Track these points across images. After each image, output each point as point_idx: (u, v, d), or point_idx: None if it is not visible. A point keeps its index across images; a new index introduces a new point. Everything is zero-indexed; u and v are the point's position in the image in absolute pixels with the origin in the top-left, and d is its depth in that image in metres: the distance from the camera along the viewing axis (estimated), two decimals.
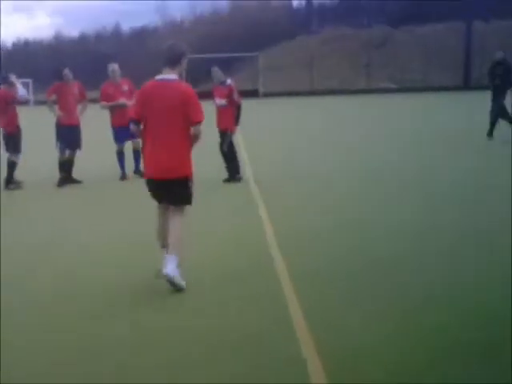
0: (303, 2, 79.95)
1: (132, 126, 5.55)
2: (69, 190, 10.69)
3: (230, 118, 10.55)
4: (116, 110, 11.36)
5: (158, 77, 5.44)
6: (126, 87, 11.52)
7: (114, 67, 11.51)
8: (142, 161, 9.53)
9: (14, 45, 69.30)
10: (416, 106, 31.88)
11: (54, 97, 11.09)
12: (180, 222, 5.42)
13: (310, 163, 12.57)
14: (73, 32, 72.06)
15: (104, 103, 11.49)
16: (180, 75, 5.50)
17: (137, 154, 11.55)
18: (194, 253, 5.98)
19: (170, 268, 5.15)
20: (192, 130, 5.33)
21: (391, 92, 46.42)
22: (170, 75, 5.38)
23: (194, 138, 5.39)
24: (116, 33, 68.88)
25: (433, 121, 21.66)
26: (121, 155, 11.65)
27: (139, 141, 11.36)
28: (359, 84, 50.74)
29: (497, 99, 14.99)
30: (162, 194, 5.49)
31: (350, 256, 6.05)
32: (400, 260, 5.89)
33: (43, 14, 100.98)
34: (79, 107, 11.39)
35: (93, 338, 4.36)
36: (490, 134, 14.98)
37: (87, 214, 8.75)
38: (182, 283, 5.24)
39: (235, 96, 10.57)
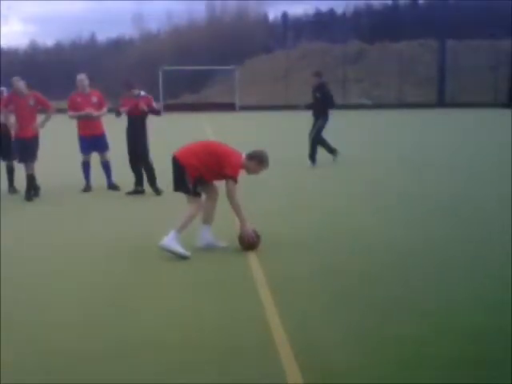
0: (279, 16, 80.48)
1: None
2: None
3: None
4: (83, 121, 11.44)
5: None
6: (95, 98, 11.57)
7: (81, 77, 11.49)
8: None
9: None
10: (391, 121, 32.16)
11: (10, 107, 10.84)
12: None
13: (287, 178, 12.58)
14: (47, 41, 71.16)
15: (72, 113, 11.48)
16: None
17: (106, 165, 11.63)
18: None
19: (166, 241, 6.73)
20: None
21: (366, 108, 46.66)
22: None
23: None
24: (91, 43, 68.56)
25: (408, 137, 21.87)
26: (86, 166, 11.65)
27: (105, 153, 11.60)
28: (335, 99, 50.88)
29: None
30: None
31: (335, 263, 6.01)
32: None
33: (17, 22, 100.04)
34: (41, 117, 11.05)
35: None
36: None
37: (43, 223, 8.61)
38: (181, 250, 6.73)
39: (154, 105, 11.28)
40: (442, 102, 49.02)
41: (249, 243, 7.09)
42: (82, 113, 11.37)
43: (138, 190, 11.08)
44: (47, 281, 6.25)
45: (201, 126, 29.81)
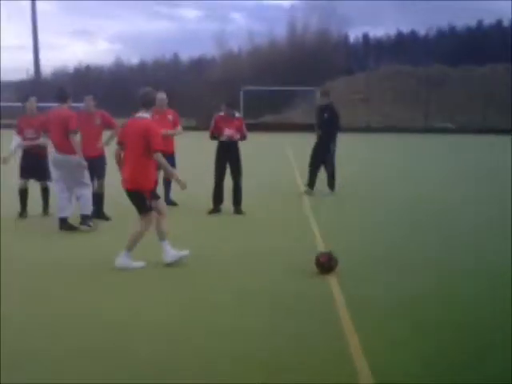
0: (360, 38, 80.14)
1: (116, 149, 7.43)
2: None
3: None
4: None
5: (136, 115, 7.32)
6: (170, 117, 11.56)
7: (161, 96, 11.28)
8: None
9: (76, 69, 71.02)
10: (475, 146, 31.37)
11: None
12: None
13: (372, 194, 12.37)
14: (132, 59, 73.16)
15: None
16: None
17: (168, 183, 11.72)
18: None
19: (120, 261, 7.11)
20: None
21: (449, 132, 45.72)
22: (143, 114, 7.29)
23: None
24: (174, 62, 69.94)
25: (494, 162, 21.21)
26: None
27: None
28: (416, 122, 50.19)
29: None
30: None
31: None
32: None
33: (104, 40, 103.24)
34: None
35: None
36: None
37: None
38: (135, 264, 7.15)
39: (244, 128, 11.08)
40: None
41: (327, 266, 6.91)
42: (161, 132, 11.30)
43: (217, 209, 11.08)
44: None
45: (281, 146, 29.85)
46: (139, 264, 7.23)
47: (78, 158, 9.18)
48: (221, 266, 7.35)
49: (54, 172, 9.62)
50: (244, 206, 11.04)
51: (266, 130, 40.49)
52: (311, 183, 13.35)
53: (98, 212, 10.24)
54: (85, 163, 9.29)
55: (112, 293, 6.31)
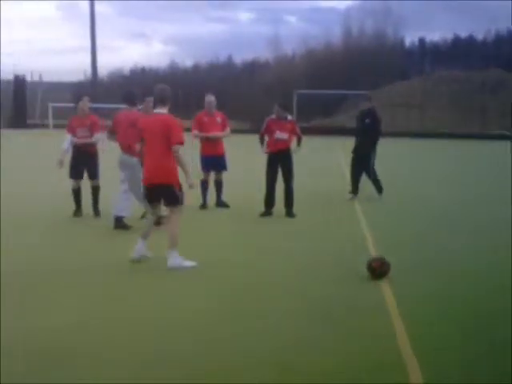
0: (416, 42, 79.07)
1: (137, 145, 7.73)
2: None
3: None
4: (206, 141, 11.58)
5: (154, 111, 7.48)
6: (219, 119, 11.71)
7: (210, 98, 11.64)
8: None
9: (132, 71, 72.05)
10: None
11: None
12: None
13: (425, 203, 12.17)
14: (187, 61, 73.80)
15: (196, 132, 11.59)
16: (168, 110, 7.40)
17: (219, 185, 11.79)
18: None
19: (172, 261, 7.11)
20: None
21: (506, 139, 44.79)
22: (161, 110, 7.35)
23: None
24: (228, 64, 70.27)
25: None
26: (204, 184, 11.74)
27: (222, 173, 11.75)
28: (472, 128, 49.30)
29: None
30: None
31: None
32: None
33: (159, 43, 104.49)
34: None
35: None
36: None
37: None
38: (187, 263, 7.16)
39: (297, 130, 11.13)
40: None
41: (379, 272, 6.82)
42: (210, 135, 11.48)
43: (269, 212, 11.04)
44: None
45: (332, 150, 29.69)
46: (191, 263, 7.23)
47: (134, 159, 9.23)
48: (271, 270, 7.33)
49: (119, 173, 9.73)
50: (295, 209, 11.01)
51: (317, 133, 40.31)
52: (355, 189, 13.11)
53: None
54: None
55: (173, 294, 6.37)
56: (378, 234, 9.44)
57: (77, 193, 10.69)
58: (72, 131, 10.48)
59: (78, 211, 10.67)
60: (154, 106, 7.57)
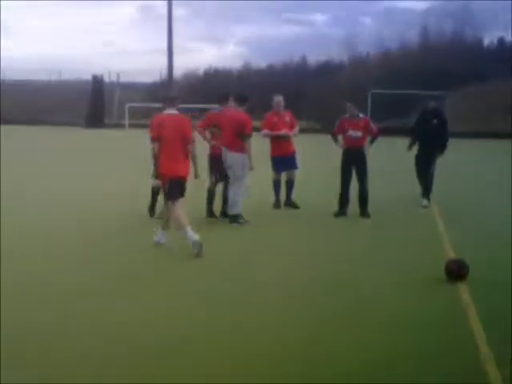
0: (495, 42, 76.87)
1: (153, 145, 8.08)
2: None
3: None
4: (276, 141, 11.52)
5: (166, 112, 8.20)
6: (287, 118, 11.72)
7: (279, 98, 11.71)
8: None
9: (205, 72, 72.74)
10: None
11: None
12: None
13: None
14: (260, 62, 73.95)
15: (266, 131, 11.60)
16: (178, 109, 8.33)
17: (290, 184, 11.73)
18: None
19: (190, 237, 7.69)
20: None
21: None
22: (172, 111, 8.17)
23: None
24: (302, 65, 70.09)
25: None
26: (277, 184, 11.76)
27: (294, 171, 11.65)
28: None
29: None
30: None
31: None
32: None
33: (232, 44, 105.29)
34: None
35: None
36: None
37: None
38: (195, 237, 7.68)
39: (372, 126, 11.03)
40: None
41: (457, 274, 6.60)
42: (281, 133, 11.45)
43: (343, 212, 10.91)
44: None
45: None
46: (197, 236, 7.71)
47: (244, 157, 9.76)
48: (347, 269, 7.23)
49: (227, 170, 10.03)
50: (370, 208, 10.85)
51: (392, 133, 39.64)
52: (426, 193, 12.26)
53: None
54: (249, 163, 9.83)
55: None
56: (456, 236, 9.18)
57: (156, 192, 10.53)
58: None
59: (152, 210, 10.56)
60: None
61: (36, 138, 36.21)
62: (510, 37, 75.81)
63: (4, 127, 40.37)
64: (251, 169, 9.69)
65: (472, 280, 6.57)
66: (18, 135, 36.39)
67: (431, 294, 6.30)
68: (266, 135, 11.63)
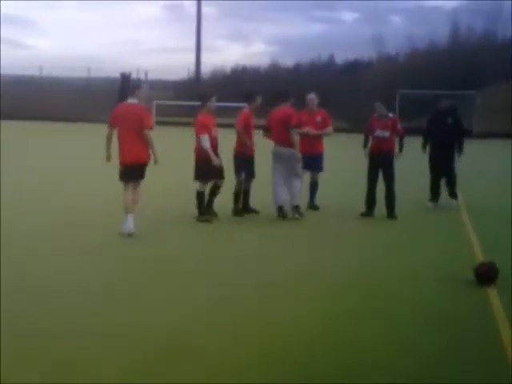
0: None
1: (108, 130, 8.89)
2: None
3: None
4: (303, 139, 10.80)
5: (126, 101, 8.99)
6: (319, 118, 11.43)
7: (311, 96, 11.46)
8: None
9: (233, 71, 72.68)
10: None
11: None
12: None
13: None
14: (288, 61, 73.48)
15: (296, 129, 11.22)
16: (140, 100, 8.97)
17: (314, 186, 11.52)
18: None
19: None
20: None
21: None
22: (132, 100, 8.84)
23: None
24: (330, 64, 69.73)
25: None
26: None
27: (319, 173, 11.51)
28: None
29: None
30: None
31: None
32: None
33: (260, 43, 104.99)
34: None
35: None
36: None
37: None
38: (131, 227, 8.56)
39: (399, 127, 10.97)
40: None
41: (487, 277, 6.54)
42: (303, 130, 10.95)
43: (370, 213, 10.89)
44: None
45: None
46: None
47: (293, 151, 10.16)
48: (371, 270, 7.21)
49: (273, 163, 10.46)
50: (397, 210, 10.78)
51: (420, 133, 39.20)
52: (435, 196, 12.11)
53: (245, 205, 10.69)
54: (299, 156, 10.23)
55: None
56: (486, 238, 9.09)
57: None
58: (208, 131, 9.83)
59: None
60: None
61: (73, 135, 36.35)
62: None
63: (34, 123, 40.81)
64: (298, 161, 10.25)
65: (501, 283, 6.52)
66: (54, 132, 36.57)
67: (459, 296, 6.27)
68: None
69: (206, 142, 9.74)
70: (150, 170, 8.90)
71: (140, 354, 4.54)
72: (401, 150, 11.06)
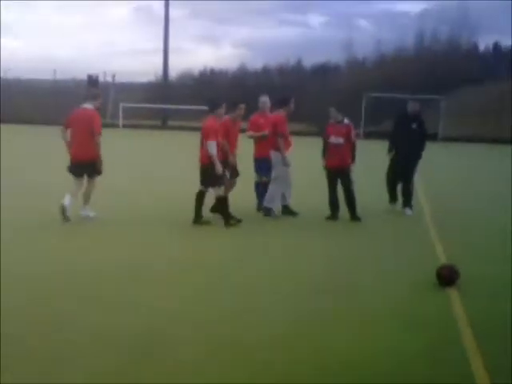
0: (490, 47, 76.89)
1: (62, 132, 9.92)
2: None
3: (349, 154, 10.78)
4: (258, 142, 11.20)
5: (82, 106, 9.91)
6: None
7: (264, 99, 11.54)
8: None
9: (201, 74, 72.42)
10: None
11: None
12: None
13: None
14: (256, 64, 73.54)
15: (251, 133, 11.37)
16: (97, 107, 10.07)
17: (264, 188, 11.31)
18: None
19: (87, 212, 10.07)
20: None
21: None
22: (87, 105, 9.85)
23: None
24: (298, 67, 69.96)
25: None
26: (258, 186, 11.52)
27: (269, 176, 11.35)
28: None
29: None
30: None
31: None
32: None
33: (228, 45, 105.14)
34: None
35: None
36: None
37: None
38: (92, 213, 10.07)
39: (352, 135, 10.80)
40: None
41: (448, 279, 6.61)
42: (260, 133, 11.08)
43: (335, 216, 10.92)
44: None
45: None
46: (94, 213, 10.06)
47: (280, 155, 10.68)
48: (344, 274, 7.20)
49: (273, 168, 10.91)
50: (361, 212, 10.84)
51: (385, 137, 39.56)
52: (393, 198, 12.12)
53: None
54: (288, 161, 10.77)
55: None
56: (448, 241, 9.18)
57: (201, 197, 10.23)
58: (217, 138, 9.76)
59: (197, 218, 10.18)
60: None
61: (46, 138, 35.92)
62: (505, 41, 75.63)
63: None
64: (286, 165, 10.77)
65: (462, 285, 6.57)
66: (23, 136, 36.12)
67: (422, 298, 6.30)
68: (249, 136, 11.39)
69: (214, 149, 9.65)
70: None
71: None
72: (353, 159, 10.81)
